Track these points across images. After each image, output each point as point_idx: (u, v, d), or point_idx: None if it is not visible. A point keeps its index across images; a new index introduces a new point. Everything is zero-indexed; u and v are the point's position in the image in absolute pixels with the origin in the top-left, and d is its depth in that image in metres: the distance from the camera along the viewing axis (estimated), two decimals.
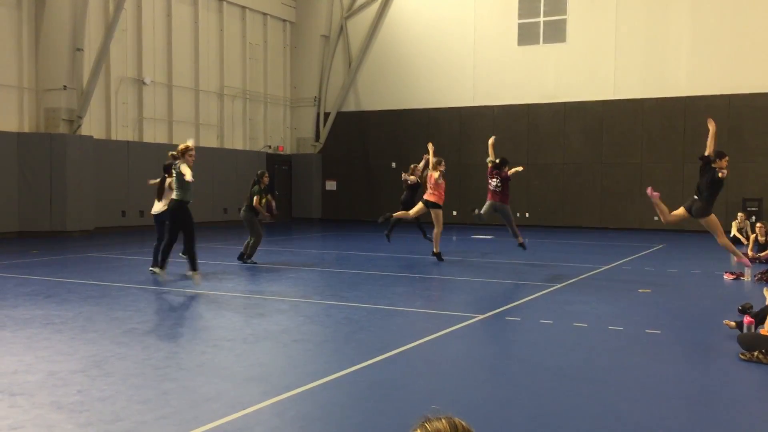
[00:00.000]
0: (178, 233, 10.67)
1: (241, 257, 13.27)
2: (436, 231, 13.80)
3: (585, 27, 23.85)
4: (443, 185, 13.93)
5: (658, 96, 22.98)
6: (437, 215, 13.78)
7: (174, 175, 10.58)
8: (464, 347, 6.93)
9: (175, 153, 10.71)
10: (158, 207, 11.95)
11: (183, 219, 10.53)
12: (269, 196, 13.51)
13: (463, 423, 2.06)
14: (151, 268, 11.65)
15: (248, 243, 13.33)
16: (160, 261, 11.02)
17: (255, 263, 13.11)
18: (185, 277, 11.06)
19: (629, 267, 13.25)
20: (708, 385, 5.68)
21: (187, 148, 10.46)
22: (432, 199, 13.85)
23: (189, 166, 10.26)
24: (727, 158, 10.38)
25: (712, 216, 10.49)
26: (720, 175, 10.19)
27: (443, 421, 2.05)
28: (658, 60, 22.96)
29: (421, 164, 15.93)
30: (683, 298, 9.92)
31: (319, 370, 5.91)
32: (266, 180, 13.51)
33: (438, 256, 13.78)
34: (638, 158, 23.37)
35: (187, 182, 10.22)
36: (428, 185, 13.99)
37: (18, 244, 17.05)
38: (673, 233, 20.91)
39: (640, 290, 10.35)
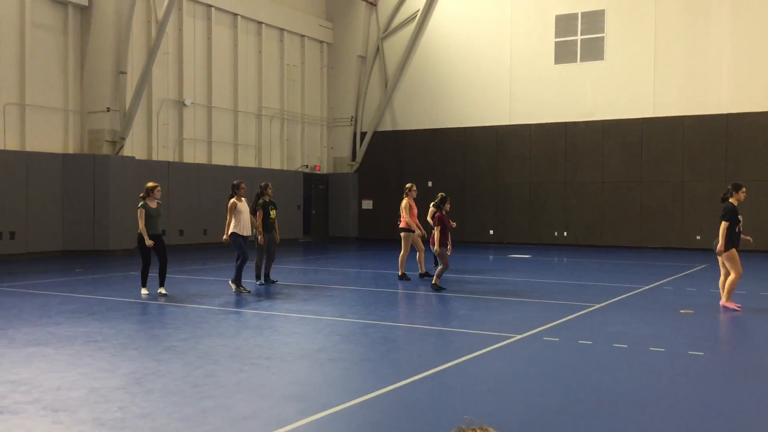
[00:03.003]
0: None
1: (258, 278, 12.98)
2: (402, 253, 13.96)
3: (623, 44, 23.66)
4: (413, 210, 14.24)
5: (699, 113, 22.63)
6: (406, 238, 13.98)
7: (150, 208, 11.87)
8: (501, 367, 6.87)
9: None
10: (232, 227, 12.05)
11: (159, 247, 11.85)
12: (273, 212, 12.77)
13: None
14: (237, 287, 11.95)
15: (257, 263, 12.87)
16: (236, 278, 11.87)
17: (263, 283, 12.98)
18: (226, 296, 11.23)
19: (671, 287, 13.01)
20: (751, 408, 5.53)
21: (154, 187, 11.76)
22: (402, 224, 14.16)
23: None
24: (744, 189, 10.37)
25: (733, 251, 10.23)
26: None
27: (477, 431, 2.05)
28: (699, 76, 22.63)
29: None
30: (727, 319, 9.70)
31: (356, 389, 5.91)
32: (270, 192, 12.80)
33: (404, 276, 13.92)
34: (679, 176, 23.00)
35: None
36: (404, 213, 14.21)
37: (62, 262, 17.42)
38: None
39: (682, 311, 10.16)
